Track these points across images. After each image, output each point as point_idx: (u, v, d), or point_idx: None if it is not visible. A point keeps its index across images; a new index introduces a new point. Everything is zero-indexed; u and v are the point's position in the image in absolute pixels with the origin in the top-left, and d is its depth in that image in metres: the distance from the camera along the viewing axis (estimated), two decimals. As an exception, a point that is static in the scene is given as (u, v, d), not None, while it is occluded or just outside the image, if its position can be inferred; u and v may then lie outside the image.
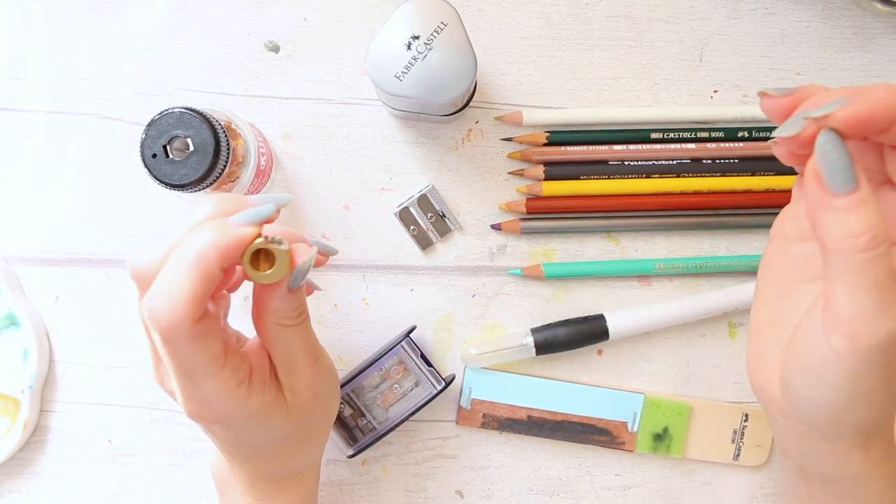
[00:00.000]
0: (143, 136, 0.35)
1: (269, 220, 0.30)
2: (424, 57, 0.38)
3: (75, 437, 0.46)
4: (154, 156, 0.35)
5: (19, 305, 0.44)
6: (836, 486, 0.33)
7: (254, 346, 0.34)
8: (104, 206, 0.46)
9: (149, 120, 0.35)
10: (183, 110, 0.35)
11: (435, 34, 0.38)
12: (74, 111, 0.46)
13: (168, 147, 0.35)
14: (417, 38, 0.38)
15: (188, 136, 0.35)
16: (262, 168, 0.41)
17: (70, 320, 0.46)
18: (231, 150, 0.37)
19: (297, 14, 0.46)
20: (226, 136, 0.36)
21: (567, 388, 0.45)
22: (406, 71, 0.38)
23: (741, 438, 0.46)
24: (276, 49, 0.46)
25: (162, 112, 0.35)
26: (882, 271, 0.25)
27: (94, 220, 0.46)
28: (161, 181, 0.35)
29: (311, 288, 0.39)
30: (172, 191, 0.36)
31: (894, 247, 0.27)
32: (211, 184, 0.36)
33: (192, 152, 0.35)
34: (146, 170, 0.35)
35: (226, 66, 0.46)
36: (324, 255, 0.35)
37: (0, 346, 0.45)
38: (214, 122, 0.36)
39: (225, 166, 0.36)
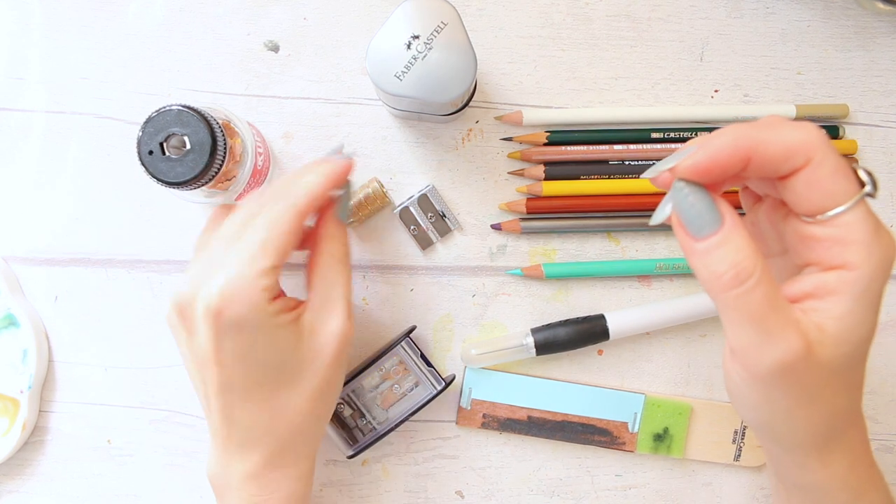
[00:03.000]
0: (140, 133, 0.35)
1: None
2: (424, 57, 0.38)
3: (74, 438, 0.46)
4: (150, 153, 0.35)
5: (19, 305, 0.44)
6: (805, 493, 0.33)
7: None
8: (104, 206, 0.46)
9: (146, 117, 0.35)
10: (181, 108, 0.35)
11: (435, 34, 0.37)
12: (74, 111, 0.45)
13: (165, 144, 0.35)
14: (417, 37, 0.38)
15: (185, 134, 0.35)
16: (259, 167, 0.41)
17: (69, 320, 0.46)
18: (228, 149, 0.37)
19: (297, 14, 0.46)
20: (223, 134, 0.36)
21: (567, 389, 0.45)
22: (406, 71, 0.38)
23: (742, 439, 0.46)
24: (275, 49, 0.46)
25: (159, 109, 0.35)
26: (755, 303, 0.26)
27: (94, 220, 0.46)
28: (157, 178, 0.35)
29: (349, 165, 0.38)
30: (169, 188, 0.36)
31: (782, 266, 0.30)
32: (207, 182, 0.36)
33: (189, 150, 0.35)
34: (142, 167, 0.35)
35: (225, 65, 0.46)
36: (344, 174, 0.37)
37: (0, 346, 0.45)
38: (212, 121, 0.36)
39: (221, 165, 0.36)
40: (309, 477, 0.39)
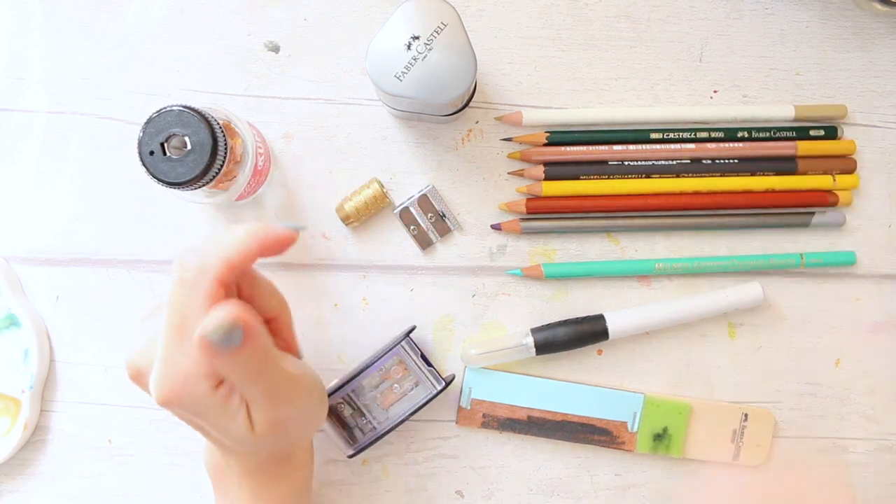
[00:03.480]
0: (141, 133, 0.35)
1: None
2: (424, 57, 0.38)
3: (75, 437, 0.46)
4: (151, 153, 0.35)
5: (20, 305, 0.44)
6: None
7: None
8: (104, 206, 0.46)
9: (147, 118, 0.36)
10: (181, 108, 0.35)
11: (435, 34, 0.38)
12: (74, 111, 0.46)
13: (165, 145, 0.35)
14: (417, 38, 0.38)
15: (186, 135, 0.35)
16: (259, 168, 0.41)
17: (70, 320, 0.46)
18: (229, 150, 0.37)
19: (297, 14, 0.46)
20: (223, 135, 0.36)
21: (567, 388, 0.45)
22: (406, 71, 0.38)
23: (741, 438, 0.46)
24: (276, 49, 0.46)
25: (160, 110, 0.35)
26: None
27: (94, 220, 0.46)
28: (158, 179, 0.35)
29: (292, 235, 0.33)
30: (170, 189, 0.36)
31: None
32: (208, 182, 0.36)
33: (190, 151, 0.35)
34: (143, 167, 0.35)
35: (226, 65, 0.46)
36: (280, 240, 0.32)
37: (0, 346, 0.45)
38: (212, 121, 0.36)
39: (222, 165, 0.36)
40: (308, 462, 0.39)
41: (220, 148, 0.36)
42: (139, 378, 0.33)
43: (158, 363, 0.31)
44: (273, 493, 0.37)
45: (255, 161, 0.40)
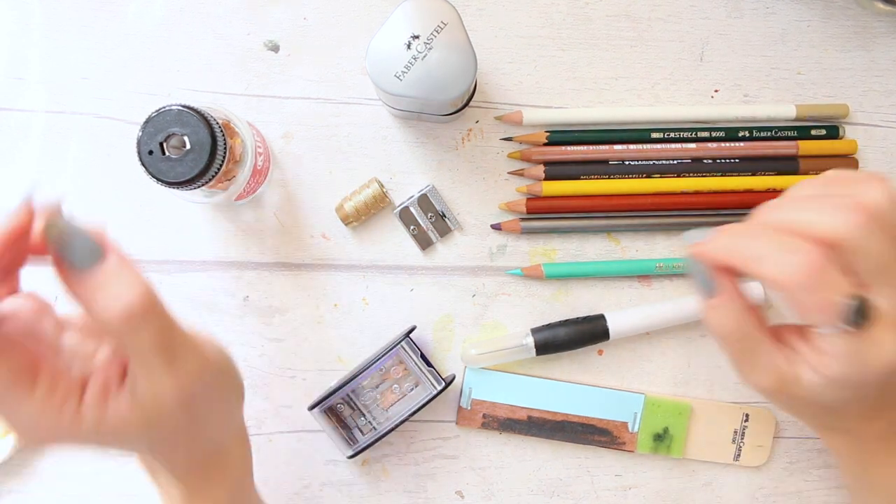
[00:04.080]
0: (140, 133, 0.35)
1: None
2: (424, 56, 0.38)
3: (75, 437, 0.46)
4: (150, 153, 0.35)
5: (19, 305, 0.44)
6: None
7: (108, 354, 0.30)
8: (104, 206, 0.46)
9: (146, 117, 0.35)
10: (181, 108, 0.35)
11: (435, 34, 0.37)
12: (74, 111, 0.45)
13: (165, 144, 0.35)
14: (417, 37, 0.38)
15: (185, 134, 0.35)
16: (259, 167, 0.41)
17: (70, 320, 0.46)
18: (228, 149, 0.37)
19: (297, 13, 0.46)
20: (223, 134, 0.36)
21: (567, 389, 0.45)
22: (406, 70, 0.38)
23: (742, 438, 0.46)
24: (275, 48, 0.46)
25: (159, 109, 0.35)
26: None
27: (94, 220, 0.46)
28: (157, 178, 0.35)
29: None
30: (169, 188, 0.36)
31: None
32: (207, 182, 0.36)
33: (189, 150, 0.35)
34: (142, 167, 0.35)
35: (225, 65, 0.46)
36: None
37: (0, 345, 0.45)
38: (212, 121, 0.36)
39: (221, 165, 0.36)
40: (242, 458, 0.35)
41: (219, 147, 0.36)
42: None
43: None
44: (206, 497, 0.33)
45: (255, 161, 0.40)
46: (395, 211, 0.46)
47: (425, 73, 0.38)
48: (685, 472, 0.46)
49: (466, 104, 0.43)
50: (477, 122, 0.46)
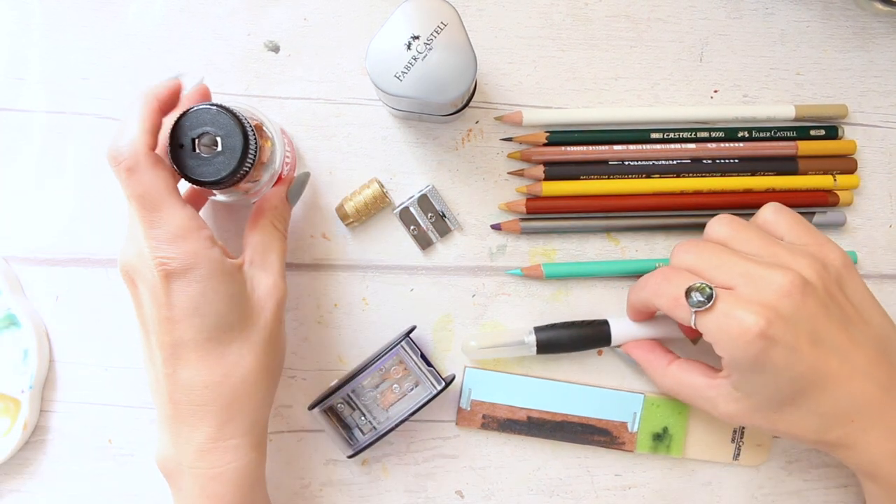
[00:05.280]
0: (175, 124, 0.35)
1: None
2: (424, 57, 0.38)
3: (75, 437, 0.46)
4: (181, 146, 0.35)
5: (19, 305, 0.44)
6: None
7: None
8: (104, 206, 0.46)
9: (184, 111, 0.35)
10: (218, 108, 0.35)
11: (435, 34, 0.38)
12: (74, 111, 0.46)
13: (197, 141, 0.35)
14: (417, 38, 0.38)
15: (219, 135, 0.35)
16: (283, 175, 0.41)
17: (70, 320, 0.46)
18: (258, 155, 0.36)
19: (297, 14, 0.46)
20: (255, 140, 0.36)
21: (567, 389, 0.45)
22: (406, 71, 0.38)
23: (741, 438, 0.46)
24: (275, 49, 0.46)
25: (196, 106, 0.35)
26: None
27: (94, 220, 0.46)
28: (183, 173, 0.35)
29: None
30: (188, 183, 0.35)
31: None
32: (230, 185, 0.36)
33: (220, 152, 0.35)
34: (169, 158, 0.35)
35: (225, 65, 0.46)
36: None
37: (0, 346, 0.45)
38: (247, 125, 0.35)
39: (249, 170, 0.36)
40: (262, 448, 0.38)
41: (249, 154, 0.35)
42: (131, 273, 0.35)
43: (143, 245, 0.34)
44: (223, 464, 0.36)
45: (281, 169, 0.40)
46: (395, 211, 0.46)
47: (425, 74, 0.38)
48: (685, 472, 0.46)
49: (466, 105, 0.43)
50: (477, 122, 0.46)
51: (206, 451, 0.36)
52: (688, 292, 0.36)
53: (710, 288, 0.36)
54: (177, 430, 0.36)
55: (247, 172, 0.36)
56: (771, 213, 0.40)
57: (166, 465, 0.37)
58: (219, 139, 0.35)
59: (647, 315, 0.43)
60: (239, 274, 0.36)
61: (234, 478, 0.36)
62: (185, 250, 0.34)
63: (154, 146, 0.34)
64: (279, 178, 0.40)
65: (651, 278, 0.39)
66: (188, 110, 0.35)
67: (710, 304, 0.36)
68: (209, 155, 0.35)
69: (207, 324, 0.35)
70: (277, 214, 0.39)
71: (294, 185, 0.41)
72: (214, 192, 0.39)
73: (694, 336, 0.44)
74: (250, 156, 0.35)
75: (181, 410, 0.36)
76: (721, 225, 0.39)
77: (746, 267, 0.36)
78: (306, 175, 0.42)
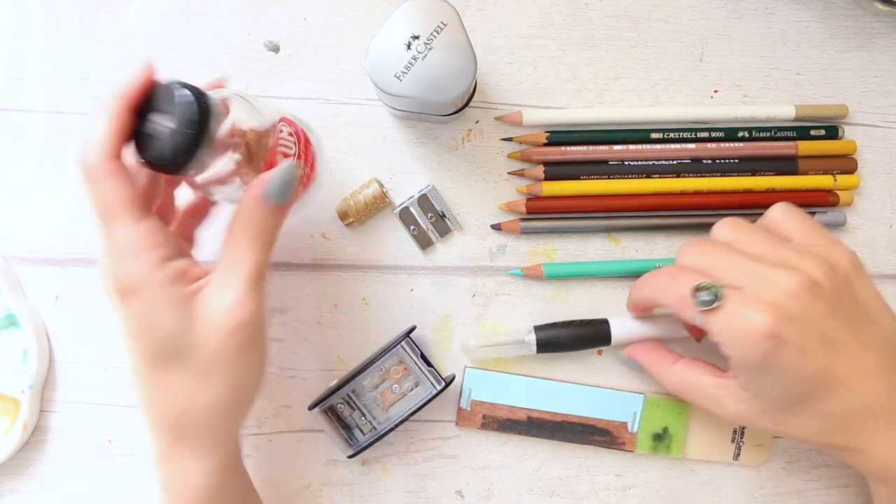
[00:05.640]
0: (140, 108, 0.32)
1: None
2: (424, 57, 0.38)
3: (75, 437, 0.46)
4: (140, 131, 0.32)
5: (19, 305, 0.44)
6: None
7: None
8: (104, 206, 0.46)
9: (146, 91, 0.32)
10: (171, 83, 0.31)
11: (435, 34, 0.38)
12: (74, 111, 0.46)
13: (151, 122, 0.32)
14: (417, 37, 0.38)
15: (171, 113, 0.31)
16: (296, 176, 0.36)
17: (70, 320, 0.46)
18: (217, 134, 0.32)
19: (297, 14, 0.46)
20: (208, 114, 0.32)
21: (567, 389, 0.45)
22: (406, 71, 0.38)
23: (741, 438, 0.46)
24: (275, 49, 0.46)
25: (159, 85, 0.32)
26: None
27: (94, 221, 0.45)
28: (140, 158, 0.32)
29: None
30: (147, 167, 0.33)
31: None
32: (177, 169, 0.32)
33: (173, 131, 0.31)
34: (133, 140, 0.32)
35: (225, 65, 0.46)
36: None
37: (0, 346, 0.45)
38: (202, 100, 0.31)
39: (195, 150, 0.31)
40: (220, 474, 0.35)
41: (197, 131, 0.31)
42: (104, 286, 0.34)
43: (102, 256, 0.32)
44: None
45: (271, 161, 0.36)
46: (395, 211, 0.46)
47: (425, 74, 0.38)
48: (685, 472, 0.46)
49: (466, 104, 0.43)
50: (477, 122, 0.46)
51: (164, 459, 0.35)
52: (694, 291, 0.36)
53: (718, 287, 0.36)
54: (149, 432, 0.35)
55: (192, 152, 0.31)
56: (779, 213, 0.39)
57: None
58: (171, 116, 0.31)
59: (647, 311, 0.43)
60: (187, 302, 0.32)
61: (182, 498, 0.35)
62: (129, 271, 0.32)
63: (118, 152, 0.32)
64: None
65: (656, 276, 0.39)
66: (151, 90, 0.32)
67: (717, 304, 0.35)
68: (160, 136, 0.31)
69: (150, 349, 0.33)
70: (250, 220, 0.33)
71: (273, 181, 0.33)
72: (209, 192, 0.36)
73: (699, 335, 0.44)
74: (200, 133, 0.31)
75: (146, 418, 0.35)
76: (726, 227, 0.39)
77: (753, 267, 0.36)
78: (290, 167, 0.34)
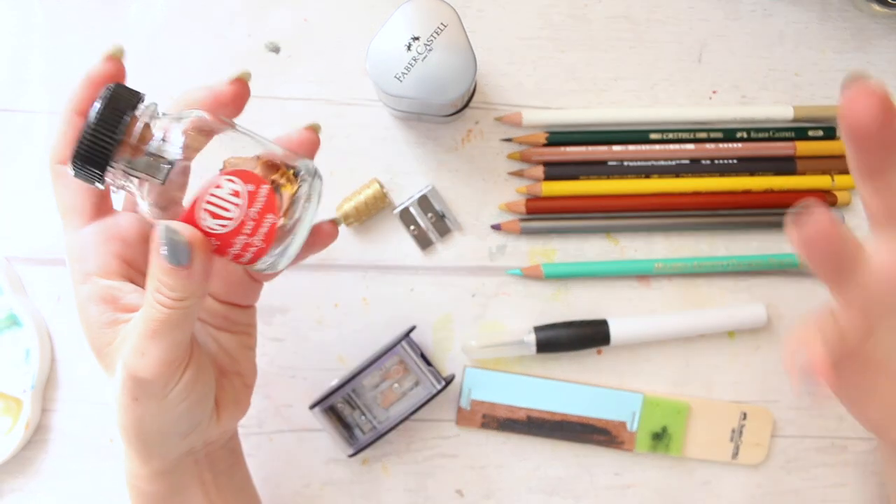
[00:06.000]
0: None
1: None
2: (424, 58, 0.38)
3: (77, 437, 0.46)
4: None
5: (21, 305, 0.44)
6: None
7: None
8: (105, 207, 0.46)
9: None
10: (110, 85, 0.29)
11: (435, 35, 0.38)
12: (76, 112, 0.46)
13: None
14: (417, 38, 0.38)
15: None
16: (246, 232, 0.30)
17: (72, 320, 0.46)
18: (132, 131, 0.29)
19: (298, 15, 0.46)
20: (121, 127, 0.28)
21: (566, 388, 0.46)
22: (406, 71, 0.38)
23: (740, 437, 0.46)
24: (276, 50, 0.46)
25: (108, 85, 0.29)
26: None
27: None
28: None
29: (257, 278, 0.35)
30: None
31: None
32: (90, 175, 0.29)
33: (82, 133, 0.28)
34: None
35: (226, 66, 0.46)
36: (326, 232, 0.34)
37: (2, 345, 0.45)
38: (117, 106, 0.28)
39: (96, 158, 0.28)
40: (161, 481, 0.34)
41: (95, 129, 0.28)
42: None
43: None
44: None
45: (201, 200, 0.29)
46: (395, 211, 0.46)
47: (425, 75, 0.38)
48: (684, 471, 0.46)
49: (466, 105, 0.44)
50: (477, 123, 0.46)
51: (126, 458, 0.35)
52: None
53: None
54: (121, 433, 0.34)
55: (92, 153, 0.28)
56: None
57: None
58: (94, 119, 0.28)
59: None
60: (110, 327, 0.32)
61: (131, 494, 0.35)
62: (69, 274, 0.33)
63: (63, 156, 0.31)
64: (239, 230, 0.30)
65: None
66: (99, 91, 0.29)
67: None
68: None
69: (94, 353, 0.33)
70: (152, 270, 0.29)
71: (161, 236, 0.28)
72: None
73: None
74: (100, 133, 0.28)
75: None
76: None
77: None
78: (167, 229, 0.28)
